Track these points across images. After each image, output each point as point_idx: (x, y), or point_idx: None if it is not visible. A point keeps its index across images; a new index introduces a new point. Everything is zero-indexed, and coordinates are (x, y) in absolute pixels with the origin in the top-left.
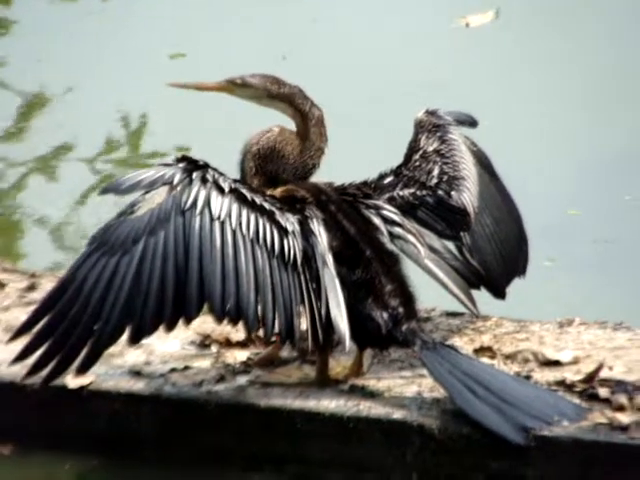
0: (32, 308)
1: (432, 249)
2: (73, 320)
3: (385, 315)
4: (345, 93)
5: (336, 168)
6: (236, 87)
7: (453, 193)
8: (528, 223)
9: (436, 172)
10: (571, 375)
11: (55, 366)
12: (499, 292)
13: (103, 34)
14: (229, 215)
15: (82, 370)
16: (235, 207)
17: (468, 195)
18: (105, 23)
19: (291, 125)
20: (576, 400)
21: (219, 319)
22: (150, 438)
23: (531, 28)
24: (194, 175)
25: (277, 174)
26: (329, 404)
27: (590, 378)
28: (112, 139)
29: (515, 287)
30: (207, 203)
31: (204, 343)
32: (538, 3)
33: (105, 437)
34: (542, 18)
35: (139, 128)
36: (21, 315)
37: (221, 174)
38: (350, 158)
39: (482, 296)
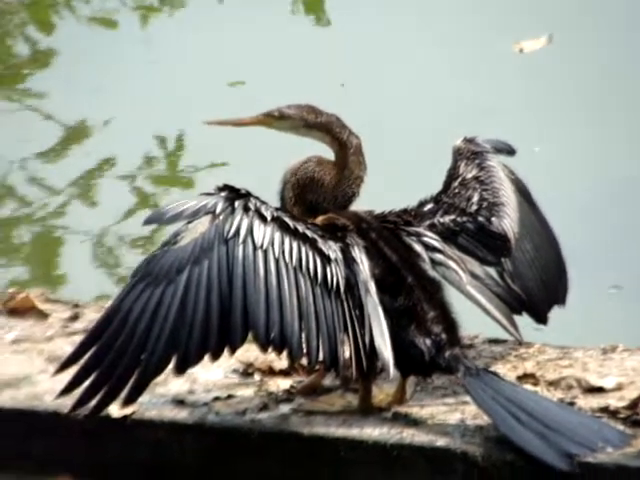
0: (75, 338)
1: (474, 275)
2: (119, 351)
3: (428, 342)
4: (401, 121)
5: (391, 196)
6: (274, 120)
7: (493, 219)
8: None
9: (476, 199)
10: (615, 401)
11: (102, 398)
12: (541, 317)
13: (149, 63)
14: (272, 243)
15: (129, 401)
16: (278, 235)
17: (508, 221)
18: (151, 51)
19: (329, 154)
20: (620, 426)
21: (264, 348)
22: (193, 467)
23: (586, 50)
24: (236, 204)
25: (317, 203)
26: (372, 432)
27: (634, 404)
28: (174, 170)
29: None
30: (250, 232)
31: (247, 371)
32: (591, 24)
33: (149, 466)
34: (596, 39)
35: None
36: (64, 345)
37: (263, 202)
38: (406, 185)
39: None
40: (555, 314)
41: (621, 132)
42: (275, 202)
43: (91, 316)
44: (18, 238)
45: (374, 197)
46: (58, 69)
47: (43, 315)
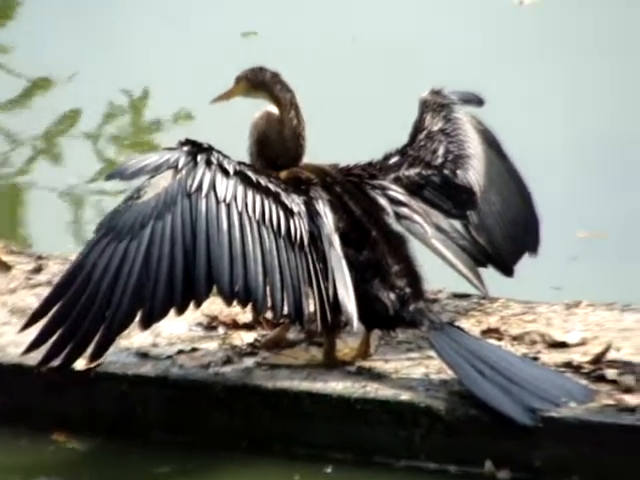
0: (39, 290)
1: (439, 228)
2: (84, 307)
3: (392, 296)
4: (404, 73)
5: None
6: (235, 88)
7: (459, 172)
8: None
9: (441, 151)
10: (578, 357)
11: (68, 353)
12: (507, 270)
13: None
14: (235, 197)
15: (95, 357)
16: (240, 189)
17: (474, 173)
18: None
19: None
20: (583, 381)
21: (228, 301)
22: (157, 420)
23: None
24: (199, 158)
25: (274, 158)
26: (336, 386)
27: (597, 360)
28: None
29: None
30: (212, 186)
31: (211, 325)
32: None
33: (112, 419)
34: None
35: None
36: (27, 297)
37: (225, 156)
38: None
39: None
40: (520, 268)
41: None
42: (241, 157)
43: (55, 268)
44: None
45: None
46: (22, 20)
47: (6, 267)
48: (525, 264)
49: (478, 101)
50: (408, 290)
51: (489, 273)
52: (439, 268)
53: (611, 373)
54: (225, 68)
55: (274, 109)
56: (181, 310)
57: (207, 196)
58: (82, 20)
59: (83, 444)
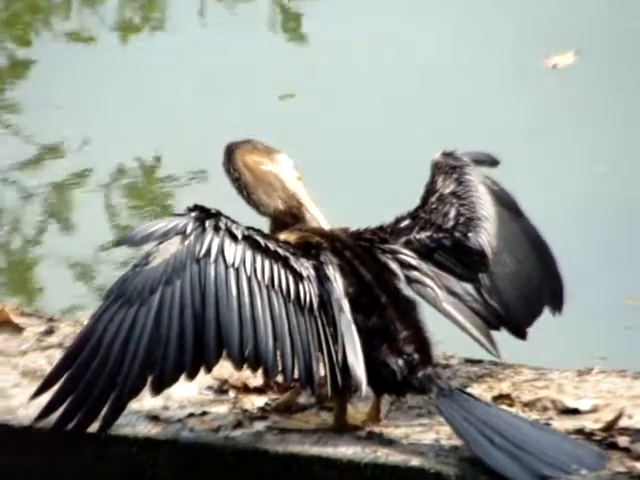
0: (50, 352)
1: (450, 292)
2: (95, 373)
3: (400, 361)
4: (437, 136)
5: None
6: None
7: (470, 234)
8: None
9: (453, 214)
10: (590, 423)
11: (80, 421)
12: (520, 332)
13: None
14: (243, 262)
15: (107, 424)
16: (249, 254)
17: (485, 236)
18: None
19: None
20: (595, 448)
21: (238, 366)
22: None
23: (616, 64)
24: (207, 224)
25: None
26: (347, 450)
27: (609, 427)
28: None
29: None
30: (221, 251)
31: (221, 388)
32: (613, 37)
33: None
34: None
35: None
36: (39, 359)
37: (234, 222)
38: None
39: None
40: (532, 334)
41: None
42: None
43: (66, 330)
44: None
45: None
46: (35, 82)
47: (18, 329)
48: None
49: (492, 162)
50: (416, 356)
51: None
52: (452, 332)
53: (623, 440)
54: (263, 130)
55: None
56: (192, 375)
57: (216, 261)
58: (105, 78)
59: None
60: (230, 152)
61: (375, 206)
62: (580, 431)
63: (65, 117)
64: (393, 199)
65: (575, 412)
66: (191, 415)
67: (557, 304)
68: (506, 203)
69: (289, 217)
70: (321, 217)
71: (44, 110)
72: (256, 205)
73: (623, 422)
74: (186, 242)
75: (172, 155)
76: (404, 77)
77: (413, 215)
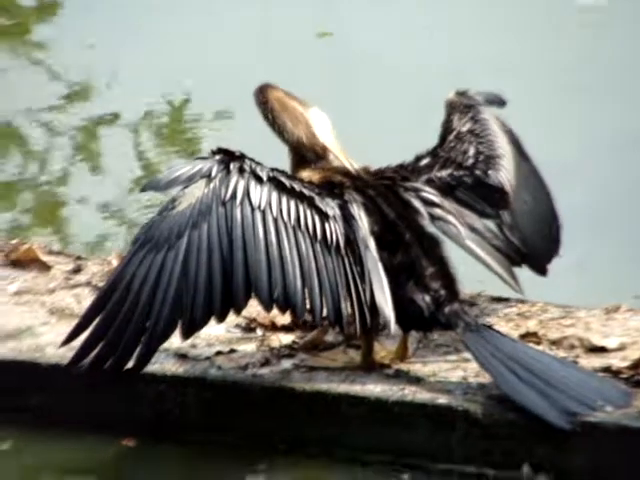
0: (77, 291)
1: (472, 229)
2: (125, 318)
3: (427, 298)
4: (470, 75)
5: None
6: None
7: (490, 172)
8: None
9: (472, 152)
10: (617, 361)
11: (111, 367)
12: (541, 269)
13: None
14: (269, 203)
15: (137, 368)
16: (275, 195)
17: (505, 173)
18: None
19: None
20: (622, 385)
21: (267, 307)
22: (195, 421)
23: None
24: (231, 166)
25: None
26: (374, 388)
27: (636, 365)
28: None
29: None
30: (247, 193)
31: (249, 326)
32: None
33: (150, 420)
34: None
35: None
36: (66, 297)
37: (258, 164)
38: None
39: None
40: (558, 272)
41: None
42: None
43: (94, 268)
44: (23, 192)
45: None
46: (64, 20)
47: (46, 267)
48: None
49: (500, 102)
50: (443, 292)
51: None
52: (476, 269)
53: None
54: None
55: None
56: (221, 318)
57: (242, 203)
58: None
59: (121, 444)
60: (263, 86)
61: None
62: (607, 369)
63: (95, 56)
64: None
65: (602, 350)
66: (219, 353)
67: (556, 246)
68: (515, 143)
69: (311, 152)
70: (349, 165)
71: (74, 49)
72: (280, 131)
73: None
74: (211, 185)
75: (202, 96)
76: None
77: (433, 153)
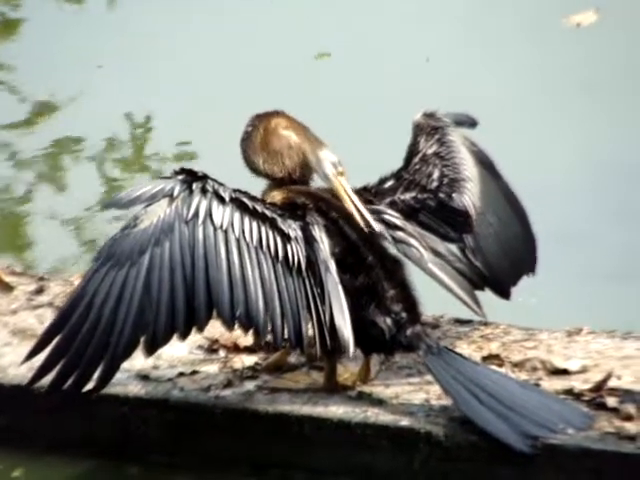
0: (40, 311)
1: (435, 252)
2: (87, 335)
3: (388, 320)
4: (474, 98)
5: None
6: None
7: (454, 195)
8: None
9: (436, 175)
10: (579, 384)
11: (73, 384)
12: (504, 292)
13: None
14: (231, 224)
15: (99, 388)
16: (237, 215)
17: (469, 196)
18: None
19: None
20: (583, 408)
21: (229, 326)
22: (158, 442)
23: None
24: (194, 186)
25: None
26: (337, 410)
27: (598, 387)
28: None
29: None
30: (209, 213)
31: (212, 348)
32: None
33: (113, 441)
34: None
35: None
36: (29, 318)
37: (221, 184)
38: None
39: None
40: (522, 295)
41: None
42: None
43: (56, 289)
44: None
45: None
46: (27, 40)
47: (8, 287)
48: None
49: (471, 123)
50: (404, 315)
51: None
52: (439, 293)
53: (612, 401)
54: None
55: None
56: (184, 335)
57: (204, 223)
58: (99, 38)
59: (82, 465)
60: (270, 112)
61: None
62: (569, 391)
63: (58, 77)
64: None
65: (564, 372)
66: (181, 374)
67: (531, 266)
68: (486, 164)
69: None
70: (366, 212)
71: (36, 69)
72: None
73: (612, 382)
74: (174, 204)
75: (164, 120)
76: (445, 39)
77: (397, 176)
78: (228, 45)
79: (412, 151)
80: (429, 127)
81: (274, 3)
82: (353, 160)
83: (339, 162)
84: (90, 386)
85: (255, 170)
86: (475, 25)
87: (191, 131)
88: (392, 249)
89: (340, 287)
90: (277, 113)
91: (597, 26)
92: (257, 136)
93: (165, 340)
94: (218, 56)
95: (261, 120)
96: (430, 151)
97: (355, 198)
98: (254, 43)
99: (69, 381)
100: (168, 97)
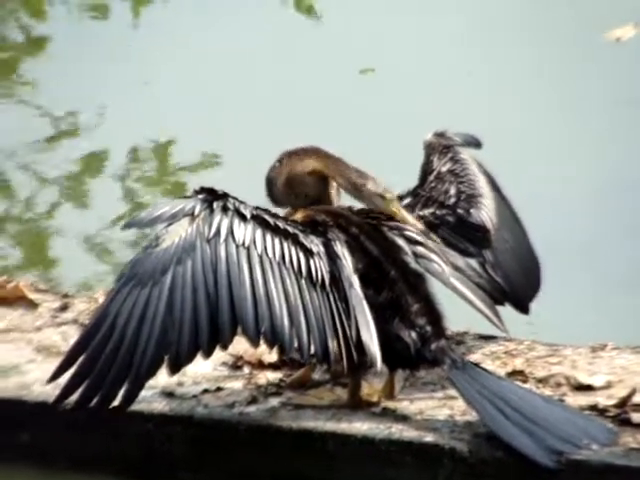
0: (64, 328)
1: (456, 267)
2: (110, 356)
3: (413, 334)
4: (516, 109)
5: None
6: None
7: (472, 211)
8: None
9: (453, 191)
10: (604, 400)
11: (97, 405)
12: (523, 307)
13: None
14: (254, 240)
15: (125, 406)
16: (259, 232)
17: (487, 212)
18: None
19: None
20: (607, 423)
21: (254, 343)
22: (182, 459)
23: None
24: (214, 205)
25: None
26: (361, 426)
27: (623, 403)
28: None
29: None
30: (230, 230)
31: (236, 364)
32: None
33: (138, 458)
34: None
35: None
36: (53, 335)
37: (242, 202)
38: None
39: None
40: (546, 311)
41: None
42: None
43: (80, 306)
44: (10, 229)
45: None
46: (52, 57)
47: (33, 305)
48: None
49: (477, 143)
50: (429, 329)
51: None
52: (460, 308)
53: (636, 417)
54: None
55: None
56: (208, 353)
57: (226, 240)
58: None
59: None
60: (301, 151)
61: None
62: (593, 407)
63: (84, 92)
64: None
65: (589, 388)
66: (206, 391)
67: (538, 282)
68: (493, 184)
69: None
70: (416, 223)
71: (60, 86)
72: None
73: (636, 398)
74: (195, 223)
75: (185, 140)
76: (487, 53)
77: (414, 193)
78: (265, 61)
79: (426, 169)
80: (441, 146)
81: (320, 20)
82: (397, 174)
83: (385, 190)
84: (115, 405)
85: (276, 202)
86: (515, 42)
87: (222, 146)
88: (414, 264)
89: (365, 302)
90: (307, 152)
91: (635, 40)
92: (283, 176)
93: (189, 359)
94: (255, 71)
95: (290, 158)
96: (444, 169)
97: (411, 219)
98: (293, 59)
99: (93, 401)
100: (202, 112)
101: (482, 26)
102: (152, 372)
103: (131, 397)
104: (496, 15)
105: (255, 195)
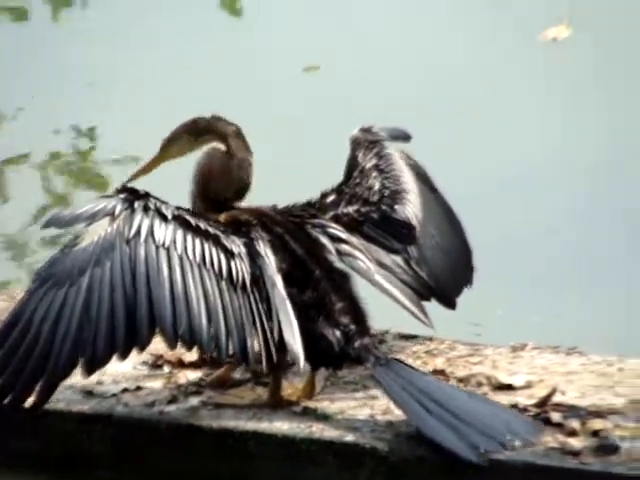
0: None
1: (381, 264)
2: (25, 355)
3: (337, 333)
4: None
5: None
6: (168, 148)
7: (397, 207)
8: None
9: (377, 187)
10: (524, 399)
11: (9, 404)
12: (450, 303)
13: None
14: (174, 241)
15: (38, 406)
16: (179, 233)
17: (411, 207)
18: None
19: None
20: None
21: (172, 344)
22: (102, 458)
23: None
24: (136, 205)
25: (217, 195)
26: (281, 426)
27: (543, 402)
28: None
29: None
30: (151, 231)
31: (156, 363)
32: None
33: (58, 457)
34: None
35: None
36: None
37: (163, 202)
38: None
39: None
40: (466, 311)
41: None
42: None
43: (0, 305)
44: None
45: None
46: None
47: None
48: None
49: (405, 137)
50: (353, 327)
51: None
52: (385, 307)
53: (556, 416)
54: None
55: (218, 146)
56: (124, 355)
57: (146, 241)
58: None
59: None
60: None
61: None
62: (514, 407)
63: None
64: None
65: (509, 388)
66: (125, 390)
67: (469, 276)
68: (422, 176)
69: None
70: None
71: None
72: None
73: (556, 398)
74: (115, 223)
75: (109, 135)
76: (434, 49)
77: (338, 190)
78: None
79: (351, 165)
80: (367, 141)
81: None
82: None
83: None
84: (29, 404)
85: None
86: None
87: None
88: (338, 262)
89: (288, 302)
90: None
91: (571, 40)
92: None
93: (105, 360)
94: (190, 69)
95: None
96: (369, 164)
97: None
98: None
99: (6, 400)
100: (134, 109)
101: (421, 23)
102: (67, 372)
103: (45, 396)
104: (433, 15)
105: (177, 192)
